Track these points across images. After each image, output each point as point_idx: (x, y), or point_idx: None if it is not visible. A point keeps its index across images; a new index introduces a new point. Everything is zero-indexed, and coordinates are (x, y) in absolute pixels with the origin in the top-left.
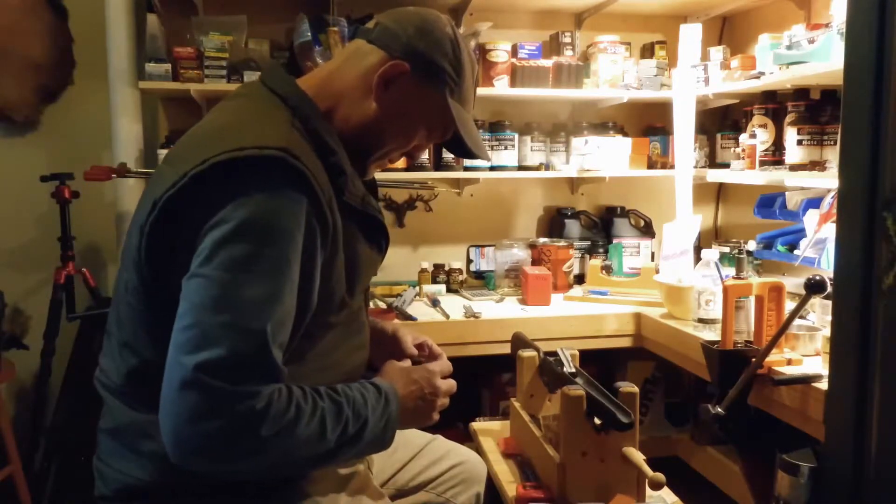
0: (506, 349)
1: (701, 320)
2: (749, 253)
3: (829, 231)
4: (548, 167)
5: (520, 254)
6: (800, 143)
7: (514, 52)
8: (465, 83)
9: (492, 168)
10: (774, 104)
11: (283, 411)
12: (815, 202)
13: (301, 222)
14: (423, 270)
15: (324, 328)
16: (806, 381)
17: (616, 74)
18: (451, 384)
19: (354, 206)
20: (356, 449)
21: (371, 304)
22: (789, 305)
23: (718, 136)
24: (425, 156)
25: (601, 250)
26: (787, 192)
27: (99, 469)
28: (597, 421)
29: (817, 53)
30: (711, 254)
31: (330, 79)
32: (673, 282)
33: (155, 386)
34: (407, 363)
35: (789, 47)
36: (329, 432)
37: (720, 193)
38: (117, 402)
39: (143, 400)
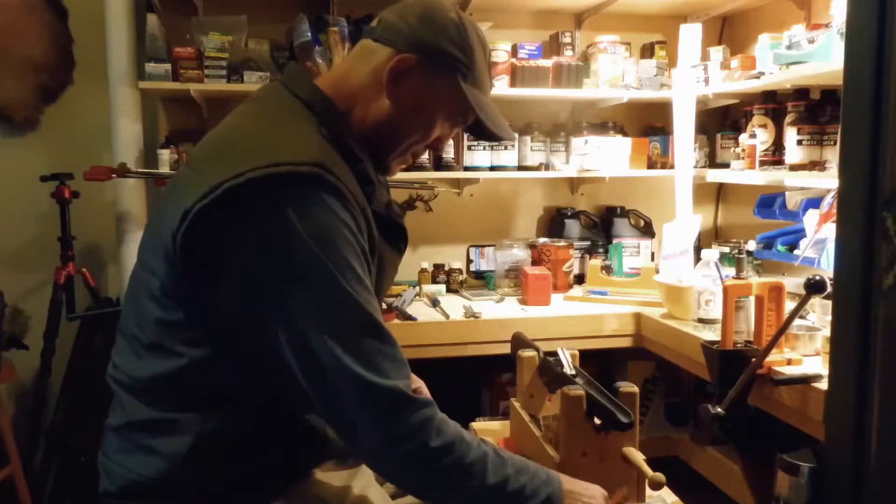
0: (506, 349)
1: (701, 320)
2: (749, 253)
3: (829, 231)
4: (548, 167)
5: (520, 254)
6: (800, 143)
7: (514, 52)
8: (478, 65)
9: (492, 168)
10: (774, 104)
11: (446, 428)
12: (815, 202)
13: (346, 233)
14: (423, 270)
15: None
16: (806, 381)
17: (616, 74)
18: None
19: (380, 212)
20: None
21: None
22: (789, 305)
23: (718, 136)
24: (425, 156)
25: (601, 250)
26: (787, 192)
27: (105, 465)
28: (597, 421)
29: (817, 53)
30: (711, 254)
31: (344, 81)
32: (673, 282)
33: (189, 387)
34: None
35: (789, 47)
36: (490, 475)
37: (720, 193)
38: (133, 400)
39: (171, 400)
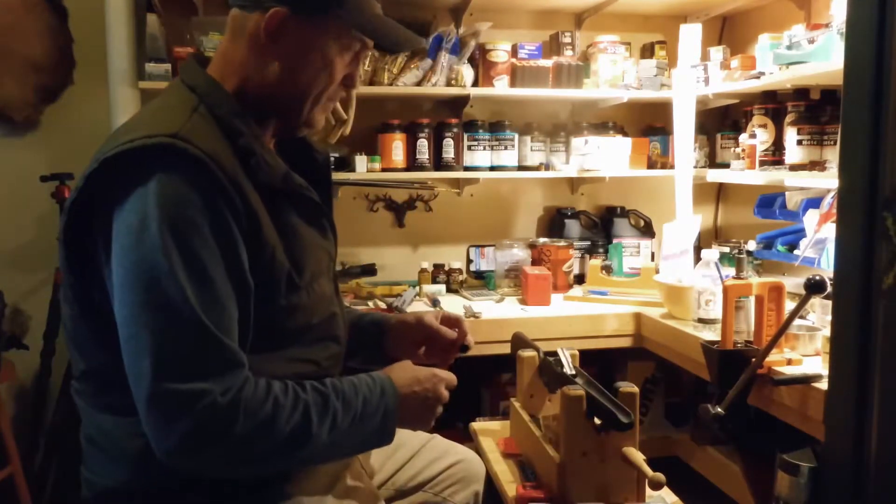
0: (506, 349)
1: (701, 320)
2: (749, 253)
3: (829, 231)
4: (548, 167)
5: (520, 254)
6: (800, 143)
7: (514, 52)
8: None
9: (492, 168)
10: (774, 104)
11: (257, 407)
12: (815, 202)
13: (202, 206)
14: (423, 270)
15: (277, 315)
16: (806, 381)
17: (616, 74)
18: (447, 395)
19: (274, 185)
20: (354, 441)
21: (371, 304)
22: (789, 305)
23: (718, 136)
24: (425, 156)
25: (601, 250)
26: (787, 192)
27: (83, 474)
28: (597, 421)
29: (817, 53)
30: (711, 254)
31: (227, 57)
32: (673, 282)
33: (109, 389)
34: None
35: (789, 47)
36: (315, 426)
37: (720, 193)
38: (86, 407)
39: (104, 403)
